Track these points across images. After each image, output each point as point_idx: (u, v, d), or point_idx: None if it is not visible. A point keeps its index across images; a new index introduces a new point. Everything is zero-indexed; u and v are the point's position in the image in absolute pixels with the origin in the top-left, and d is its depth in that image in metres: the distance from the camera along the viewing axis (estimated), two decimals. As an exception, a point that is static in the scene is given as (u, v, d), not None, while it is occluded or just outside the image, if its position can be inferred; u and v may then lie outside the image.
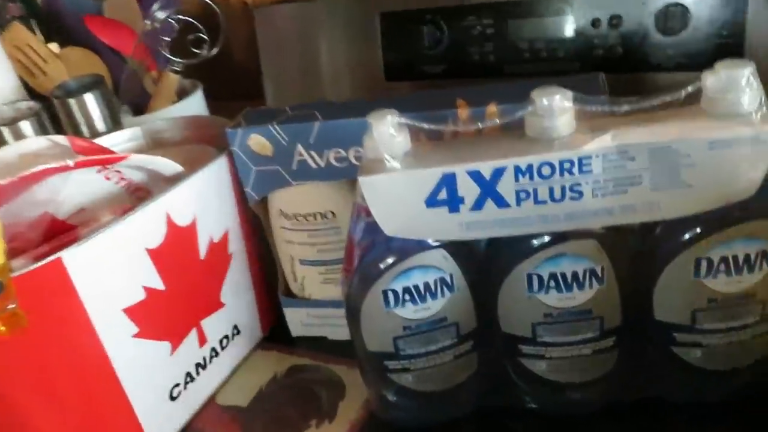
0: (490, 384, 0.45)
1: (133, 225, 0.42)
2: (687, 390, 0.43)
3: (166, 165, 0.45)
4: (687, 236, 0.37)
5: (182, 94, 0.78)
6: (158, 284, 0.44)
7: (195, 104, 0.75)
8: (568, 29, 0.62)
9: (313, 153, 0.46)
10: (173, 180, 0.46)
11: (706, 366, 0.41)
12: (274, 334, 0.58)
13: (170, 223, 0.44)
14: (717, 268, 0.37)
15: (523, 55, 0.65)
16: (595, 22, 0.61)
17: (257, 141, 0.47)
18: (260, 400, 0.51)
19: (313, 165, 0.47)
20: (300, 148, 0.46)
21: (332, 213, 0.50)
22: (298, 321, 0.56)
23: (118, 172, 0.45)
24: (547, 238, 0.38)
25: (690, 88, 0.34)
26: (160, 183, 0.47)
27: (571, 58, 0.63)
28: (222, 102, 0.88)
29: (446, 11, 0.67)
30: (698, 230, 0.37)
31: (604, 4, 0.60)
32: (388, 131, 0.36)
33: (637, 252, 0.39)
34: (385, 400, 0.45)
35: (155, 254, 0.43)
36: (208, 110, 0.78)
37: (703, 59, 0.58)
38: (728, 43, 0.57)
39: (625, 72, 0.61)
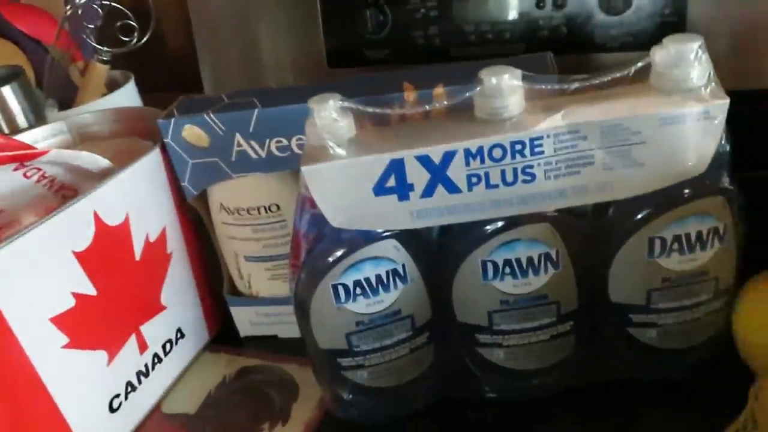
0: (448, 375, 0.44)
1: (57, 227, 0.38)
2: (644, 370, 0.42)
3: (92, 160, 0.42)
4: (640, 216, 0.36)
5: (114, 85, 0.73)
6: (89, 289, 0.41)
7: (127, 96, 0.71)
8: (513, 10, 0.61)
9: (253, 143, 0.44)
10: (101, 176, 0.43)
11: (662, 345, 0.41)
12: (222, 335, 0.55)
13: (99, 223, 0.41)
14: (670, 247, 0.37)
15: (469, 37, 0.63)
16: (539, 3, 0.60)
17: (192, 131, 0.44)
18: (209, 406, 0.48)
19: (254, 155, 0.44)
20: (239, 137, 0.44)
21: (277, 206, 0.47)
22: (246, 320, 0.54)
23: (39, 169, 0.41)
24: (500, 224, 0.37)
25: (639, 64, 0.33)
26: (88, 180, 0.44)
27: (517, 40, 0.62)
28: (158, 93, 0.83)
29: (389, -7, 0.65)
30: (651, 209, 0.36)
31: (547, -16, 0.59)
32: (330, 116, 0.34)
33: (591, 234, 0.38)
34: (339, 399, 0.43)
35: (84, 257, 0.40)
36: (141, 102, 0.74)
37: (646, 38, 0.58)
38: (671, 22, 0.57)
39: (570, 53, 0.60)
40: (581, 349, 0.42)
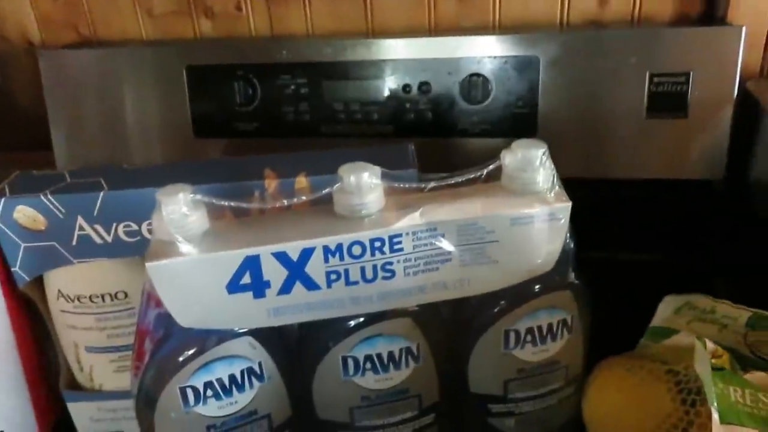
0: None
1: None
2: (503, 458, 0.43)
3: None
4: (495, 310, 0.37)
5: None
6: None
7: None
8: (381, 93, 0.63)
9: (97, 227, 0.40)
10: None
11: (520, 433, 0.41)
12: (61, 432, 0.49)
13: None
14: (524, 339, 0.38)
15: (338, 116, 0.64)
16: (405, 87, 0.62)
17: (25, 213, 0.39)
18: None
19: (98, 240, 0.40)
20: (81, 221, 0.40)
21: (124, 293, 0.43)
22: (86, 417, 0.48)
23: None
24: (361, 319, 0.36)
25: (491, 166, 0.35)
26: None
27: (385, 121, 0.64)
28: (6, 152, 0.76)
29: (258, 68, 0.65)
30: (505, 304, 0.37)
31: (413, 71, 0.62)
32: (180, 210, 0.32)
33: (451, 327, 0.38)
34: None
35: None
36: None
37: (504, 127, 0.62)
38: (524, 113, 0.61)
39: (434, 136, 0.63)
40: (444, 440, 0.41)
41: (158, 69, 0.68)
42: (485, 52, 0.61)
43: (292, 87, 0.64)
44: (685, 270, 0.59)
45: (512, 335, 0.38)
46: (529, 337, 0.38)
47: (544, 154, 0.34)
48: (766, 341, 0.40)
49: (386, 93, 0.63)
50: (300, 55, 0.64)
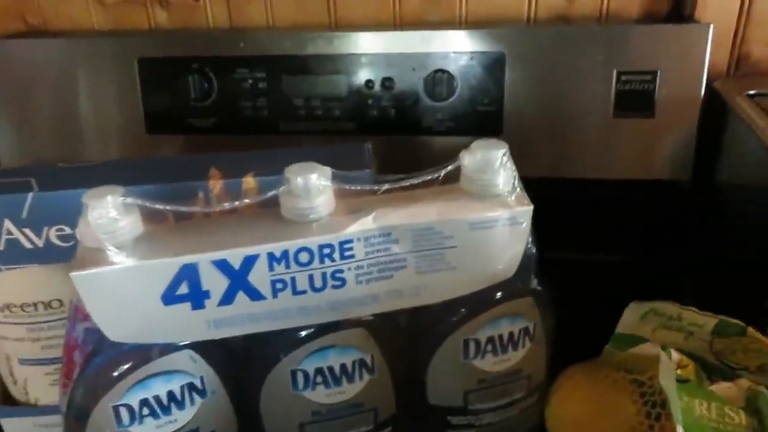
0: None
1: None
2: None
3: None
4: (454, 318, 0.35)
5: None
6: None
7: None
8: (343, 88, 0.61)
9: (27, 231, 0.37)
10: None
11: (480, 446, 0.39)
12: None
13: None
14: (484, 349, 0.36)
15: (298, 112, 0.62)
16: (368, 83, 0.60)
17: (-55, 216, 0.36)
18: None
19: (28, 245, 0.37)
20: (8, 224, 0.37)
21: (59, 301, 0.40)
22: (21, 433, 0.45)
23: None
24: (311, 330, 0.34)
25: (450, 167, 0.33)
26: None
27: (346, 117, 0.61)
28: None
29: (215, 61, 0.62)
30: (464, 312, 0.35)
31: (376, 66, 0.60)
32: (108, 214, 0.29)
33: (407, 337, 0.36)
34: None
35: None
36: None
37: (468, 125, 0.60)
38: (489, 111, 0.59)
39: (397, 134, 0.61)
40: (401, 454, 0.39)
41: (110, 61, 0.64)
42: (450, 47, 0.59)
43: (250, 81, 0.61)
44: (652, 271, 0.58)
45: (472, 344, 0.36)
46: (489, 347, 0.36)
47: (504, 154, 0.32)
48: (732, 349, 0.39)
49: (348, 89, 0.61)
50: (259, 48, 0.62)
